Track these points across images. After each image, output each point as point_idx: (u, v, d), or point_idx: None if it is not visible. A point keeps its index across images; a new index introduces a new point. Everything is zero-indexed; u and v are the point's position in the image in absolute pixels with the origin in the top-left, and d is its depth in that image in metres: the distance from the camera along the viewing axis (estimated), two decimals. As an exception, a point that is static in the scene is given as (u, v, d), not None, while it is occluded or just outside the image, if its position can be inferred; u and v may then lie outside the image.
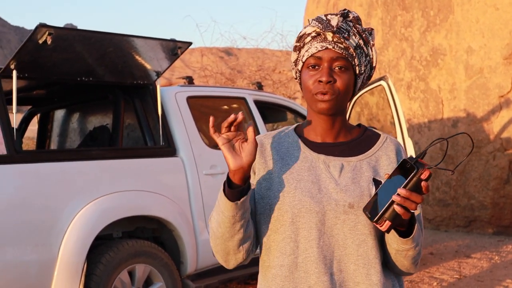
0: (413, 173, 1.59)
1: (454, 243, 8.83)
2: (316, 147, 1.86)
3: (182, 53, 5.07)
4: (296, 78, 1.92)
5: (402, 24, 10.31)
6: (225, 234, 1.77)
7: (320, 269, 1.76)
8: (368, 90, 6.57)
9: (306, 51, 1.81)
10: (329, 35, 1.78)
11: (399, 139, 6.11)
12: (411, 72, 10.16)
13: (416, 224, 1.73)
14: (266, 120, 6.49)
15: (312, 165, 1.83)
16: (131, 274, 4.67)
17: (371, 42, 1.85)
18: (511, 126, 8.79)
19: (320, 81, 1.77)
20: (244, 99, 5.95)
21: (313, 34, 1.80)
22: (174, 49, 4.99)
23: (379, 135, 1.93)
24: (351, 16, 1.82)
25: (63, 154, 4.80)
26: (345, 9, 1.84)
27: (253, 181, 1.86)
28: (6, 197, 4.12)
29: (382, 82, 6.21)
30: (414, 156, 1.67)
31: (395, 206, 1.60)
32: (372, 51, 1.86)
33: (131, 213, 4.72)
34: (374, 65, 1.90)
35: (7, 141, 4.16)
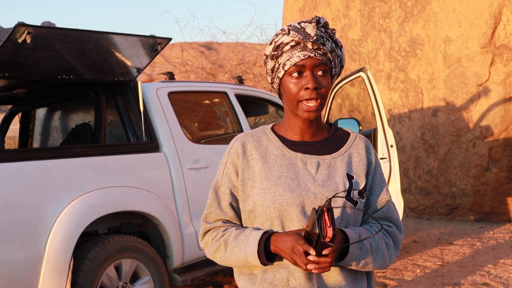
0: (316, 237, 1.71)
1: (437, 230, 8.95)
2: (294, 146, 1.98)
3: (162, 49, 5.09)
4: (271, 83, 2.00)
5: (381, 15, 10.39)
6: (237, 266, 1.99)
7: None
8: (348, 82, 6.64)
9: (288, 60, 1.89)
10: (309, 44, 1.87)
11: (380, 130, 6.19)
12: (390, 63, 10.25)
13: (349, 254, 1.86)
14: (247, 113, 6.54)
15: (291, 162, 1.94)
16: (117, 269, 4.71)
17: (340, 44, 1.96)
18: (489, 114, 8.91)
19: (306, 88, 1.87)
20: (225, 93, 5.99)
21: (292, 43, 1.88)
22: (154, 45, 5.02)
23: (349, 134, 2.07)
24: (322, 22, 1.91)
25: (46, 152, 4.81)
26: (316, 16, 1.93)
27: (237, 182, 1.97)
28: (-9, 196, 4.13)
29: (361, 74, 6.28)
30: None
31: (312, 270, 1.77)
32: (342, 52, 1.98)
33: (116, 209, 4.75)
34: (343, 64, 2.02)
35: (-10, 141, 4.17)
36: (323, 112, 9.20)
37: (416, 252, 7.53)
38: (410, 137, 10.03)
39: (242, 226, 2.01)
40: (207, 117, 6.46)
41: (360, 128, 6.83)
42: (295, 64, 1.88)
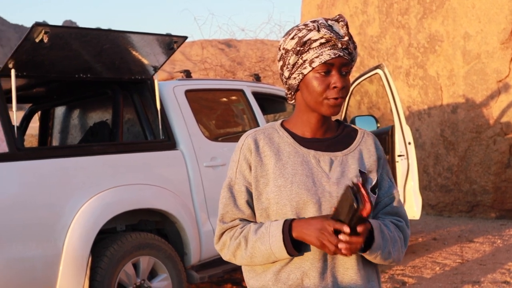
0: (353, 211, 1.69)
1: (457, 228, 8.89)
2: (305, 143, 1.96)
3: (178, 47, 5.11)
4: (287, 78, 1.96)
5: (399, 11, 10.33)
6: (261, 263, 1.92)
7: (315, 256, 1.87)
8: (365, 78, 6.62)
9: (317, 57, 1.87)
10: (339, 43, 1.86)
11: (397, 127, 6.16)
12: (409, 60, 10.19)
13: (375, 241, 1.85)
14: (265, 111, 6.54)
15: (304, 159, 1.93)
16: (135, 266, 4.74)
17: (355, 43, 1.95)
18: (510, 111, 8.82)
19: (335, 87, 1.86)
20: (242, 91, 6.00)
21: (322, 40, 1.86)
22: (170, 43, 5.04)
23: (357, 131, 2.06)
24: (345, 21, 1.90)
25: (64, 150, 4.86)
26: (339, 15, 1.91)
27: (250, 178, 1.94)
28: (9, 194, 4.18)
29: (378, 70, 6.26)
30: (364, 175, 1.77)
31: (342, 250, 1.75)
32: (356, 51, 1.97)
33: (134, 207, 4.78)
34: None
35: (8, 139, 4.22)
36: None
37: (436, 250, 7.48)
38: (429, 134, 9.96)
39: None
40: (224, 115, 6.48)
41: (378, 125, 6.80)
42: (324, 62, 1.87)
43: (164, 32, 4.99)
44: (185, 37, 5.14)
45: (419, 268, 6.64)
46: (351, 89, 7.00)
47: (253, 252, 1.89)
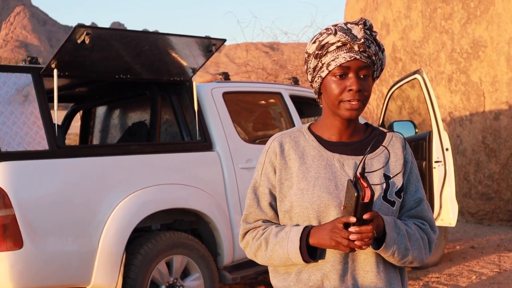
0: (355, 200, 1.72)
1: (497, 237, 8.74)
2: (331, 146, 1.99)
3: (216, 49, 5.18)
4: (311, 82, 2.00)
5: (442, 16, 10.22)
6: (279, 265, 1.98)
7: (335, 258, 1.90)
8: (404, 84, 6.58)
9: (333, 60, 1.89)
10: (356, 46, 1.88)
11: (435, 133, 6.11)
12: (451, 65, 10.07)
13: (388, 235, 1.86)
14: (302, 114, 6.56)
15: (328, 163, 1.95)
16: (169, 265, 4.82)
17: (382, 47, 1.96)
18: (554, 118, 8.65)
19: (350, 90, 1.88)
20: (279, 94, 6.03)
21: (339, 44, 1.89)
22: (209, 46, 5.11)
23: (385, 134, 2.06)
24: (368, 24, 1.92)
25: (103, 149, 4.98)
26: (362, 18, 1.93)
27: (274, 181, 1.99)
28: (49, 190, 4.31)
29: (417, 76, 6.22)
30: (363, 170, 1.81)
31: (356, 242, 1.77)
32: (383, 55, 1.98)
33: (169, 206, 4.86)
34: (383, 67, 2.02)
35: (49, 137, 4.34)
36: (378, 113, 9.11)
37: (473, 258, 7.39)
38: (471, 141, 9.83)
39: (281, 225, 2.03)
40: (261, 117, 6.52)
41: (416, 130, 6.75)
42: (340, 65, 1.89)
43: (207, 34, 5.06)
44: (224, 40, 5.20)
45: (455, 276, 6.56)
46: (390, 93, 6.97)
47: (272, 254, 1.94)
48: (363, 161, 1.79)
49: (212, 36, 5.10)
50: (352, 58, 1.87)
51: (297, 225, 1.93)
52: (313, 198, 1.90)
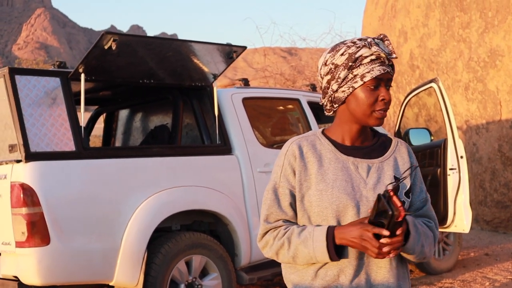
0: (390, 217, 1.87)
1: (511, 244, 8.80)
2: (345, 150, 2.13)
3: (237, 56, 5.34)
4: (335, 92, 2.10)
5: (460, 25, 10.30)
6: (302, 263, 2.09)
7: (352, 254, 2.05)
8: (420, 92, 6.69)
9: (368, 72, 2.04)
10: (386, 60, 2.05)
11: (450, 140, 6.21)
12: (468, 74, 10.15)
13: (411, 231, 2.02)
14: (319, 120, 6.69)
15: (344, 165, 2.10)
16: (188, 264, 4.98)
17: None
18: None
19: (383, 99, 2.05)
20: (298, 100, 6.17)
21: (372, 57, 2.04)
22: (229, 52, 5.27)
23: (391, 140, 2.23)
24: (386, 38, 2.08)
25: (126, 151, 5.16)
26: (382, 34, 2.10)
27: (294, 183, 2.12)
28: (75, 189, 4.49)
29: (433, 84, 6.33)
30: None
31: (386, 251, 1.93)
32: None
33: (189, 207, 5.03)
34: None
35: (76, 139, 4.52)
36: (395, 120, 9.20)
37: (487, 265, 7.46)
38: (487, 149, 9.89)
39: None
40: (280, 123, 6.66)
41: (432, 138, 6.85)
42: (375, 77, 2.04)
43: (226, 40, 5.23)
44: (244, 47, 5.35)
45: (468, 283, 6.65)
46: (406, 100, 7.08)
47: (295, 253, 2.06)
48: (399, 181, 1.98)
49: (231, 41, 5.26)
50: (385, 71, 2.03)
51: (318, 225, 2.06)
52: (332, 198, 2.04)
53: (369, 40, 2.04)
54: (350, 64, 2.04)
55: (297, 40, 50.48)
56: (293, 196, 2.12)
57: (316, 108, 6.42)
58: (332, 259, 2.00)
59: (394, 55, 2.03)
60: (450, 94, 10.22)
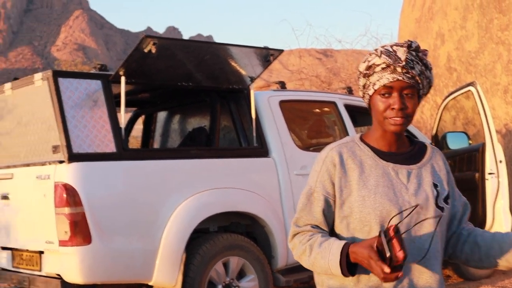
0: (388, 259, 1.87)
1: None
2: (385, 156, 2.15)
3: (274, 59, 5.37)
4: (363, 97, 2.18)
5: (499, 27, 10.18)
6: (319, 272, 2.15)
7: None
8: (458, 95, 6.64)
9: (378, 80, 2.07)
10: (398, 68, 2.05)
11: (488, 144, 6.15)
12: (508, 76, 10.01)
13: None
14: (356, 123, 6.69)
15: (384, 171, 2.12)
16: (225, 265, 5.03)
17: (430, 66, 2.13)
18: None
19: (393, 108, 2.05)
20: (334, 103, 6.18)
21: (383, 65, 2.06)
22: (266, 56, 5.31)
23: (426, 146, 2.24)
24: (413, 46, 2.08)
25: (165, 153, 5.24)
26: (408, 40, 2.10)
27: (331, 189, 2.13)
28: (115, 190, 4.59)
29: (471, 88, 6.28)
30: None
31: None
32: (431, 73, 2.14)
33: (226, 209, 5.08)
34: (431, 84, 2.18)
35: (116, 140, 4.61)
36: (432, 123, 9.14)
37: (526, 271, 7.36)
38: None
39: (329, 232, 2.17)
40: (316, 126, 6.68)
41: (470, 142, 6.79)
42: (384, 85, 2.06)
43: (261, 41, 5.29)
44: (281, 51, 5.39)
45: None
46: (444, 103, 7.03)
47: (314, 262, 2.09)
48: (398, 222, 1.96)
49: (266, 42, 5.34)
50: (394, 79, 2.04)
51: (341, 238, 2.10)
52: (375, 204, 2.05)
53: (385, 47, 2.08)
54: (365, 72, 2.10)
55: (332, 42, 50.19)
56: (327, 202, 2.13)
57: (353, 111, 6.43)
58: (344, 274, 2.02)
59: (402, 63, 2.03)
60: (489, 97, 10.10)
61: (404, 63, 2.04)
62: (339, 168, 2.12)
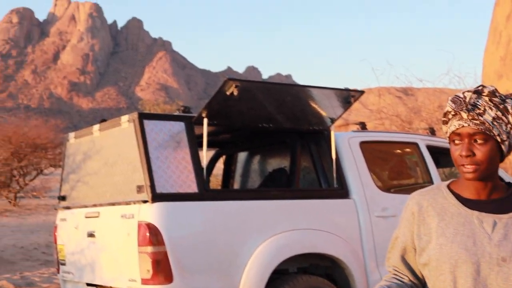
0: None
1: None
2: (470, 204, 2.07)
3: (355, 101, 5.38)
4: (449, 143, 2.15)
5: None
6: None
7: (468, 285, 1.99)
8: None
9: (449, 127, 2.05)
10: (464, 114, 2.00)
11: None
12: None
13: None
14: (439, 164, 6.56)
15: (467, 220, 2.04)
16: (305, 307, 4.98)
17: (511, 111, 2.02)
18: None
19: (461, 155, 2.00)
20: (416, 144, 6.10)
21: (453, 112, 2.03)
22: (347, 97, 5.32)
23: None
24: (486, 91, 2.02)
25: (246, 193, 5.29)
26: (481, 85, 2.06)
27: (410, 237, 2.14)
28: (197, 230, 4.66)
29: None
30: None
31: None
32: (506, 117, 2.02)
33: (306, 250, 5.06)
34: None
35: (198, 181, 4.70)
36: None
37: None
38: None
39: (411, 277, 2.18)
40: (397, 167, 6.59)
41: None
42: (453, 132, 2.03)
43: (340, 80, 5.36)
44: (362, 92, 5.39)
45: None
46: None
47: None
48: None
49: (345, 81, 5.36)
50: (460, 126, 1.99)
51: (427, 285, 2.09)
52: (451, 253, 2.00)
53: (456, 94, 2.04)
54: (443, 119, 2.09)
55: (413, 81, 49.63)
56: (407, 249, 2.16)
57: (435, 152, 6.32)
58: None
59: (462, 108, 1.98)
60: None
61: (467, 107, 2.00)
62: (418, 216, 2.11)
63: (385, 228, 5.45)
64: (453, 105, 2.03)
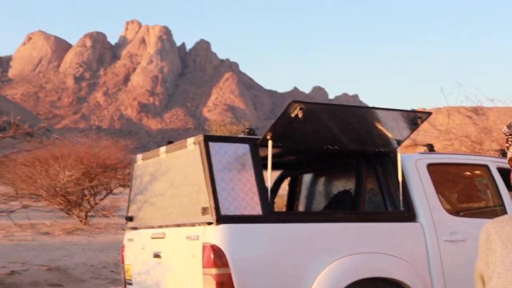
0: None
1: None
2: None
3: (422, 122, 5.28)
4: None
5: None
6: None
7: None
8: None
9: (508, 152, 2.03)
10: None
11: None
12: None
13: None
14: (510, 188, 6.36)
15: None
16: (370, 333, 4.89)
17: None
18: None
19: None
20: (486, 166, 5.94)
21: (510, 138, 2.01)
22: (414, 119, 5.24)
23: None
24: None
25: (310, 216, 5.26)
26: None
27: (482, 265, 2.11)
28: (261, 252, 4.65)
29: None
30: None
31: None
32: None
33: (372, 275, 4.97)
34: None
35: (262, 203, 4.71)
36: None
37: None
38: None
39: None
40: (467, 189, 6.42)
41: None
42: (510, 159, 2.01)
43: (407, 100, 5.28)
44: (429, 113, 5.30)
45: None
46: None
47: None
48: None
49: (412, 101, 5.26)
50: None
51: None
52: (505, 282, 1.95)
53: (510, 122, 2.01)
54: (506, 145, 2.07)
55: (483, 100, 48.33)
56: (484, 279, 2.12)
57: (507, 174, 6.13)
58: None
59: None
60: None
61: None
62: (485, 245, 2.10)
63: (454, 253, 5.31)
64: (508, 130, 1.99)
